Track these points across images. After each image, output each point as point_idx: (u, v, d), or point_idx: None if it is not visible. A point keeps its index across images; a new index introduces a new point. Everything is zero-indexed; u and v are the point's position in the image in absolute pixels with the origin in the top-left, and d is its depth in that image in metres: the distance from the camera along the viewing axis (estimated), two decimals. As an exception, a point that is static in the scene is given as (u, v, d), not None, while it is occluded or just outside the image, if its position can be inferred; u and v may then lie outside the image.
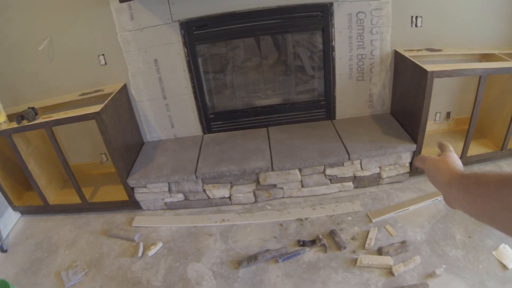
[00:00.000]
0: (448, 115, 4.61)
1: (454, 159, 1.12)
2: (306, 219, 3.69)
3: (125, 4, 3.63)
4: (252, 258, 3.27)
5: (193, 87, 4.16)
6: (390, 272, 3.06)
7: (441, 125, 4.65)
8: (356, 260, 3.18)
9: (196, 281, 3.16)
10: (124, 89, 4.07)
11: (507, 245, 3.16)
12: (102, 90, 3.96)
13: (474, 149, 4.13)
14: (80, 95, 3.96)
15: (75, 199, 4.00)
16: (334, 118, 4.45)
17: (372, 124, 4.27)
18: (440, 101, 4.41)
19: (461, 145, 4.05)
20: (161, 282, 3.18)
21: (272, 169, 3.75)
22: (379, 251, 3.25)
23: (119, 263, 3.43)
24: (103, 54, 3.94)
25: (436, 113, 4.55)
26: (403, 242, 3.29)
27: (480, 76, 3.65)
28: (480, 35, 4.16)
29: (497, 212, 0.80)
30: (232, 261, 3.32)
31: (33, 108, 3.63)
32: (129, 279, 3.24)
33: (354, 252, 3.29)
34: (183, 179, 3.77)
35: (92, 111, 3.45)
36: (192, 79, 4.12)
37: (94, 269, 3.38)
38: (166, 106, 4.26)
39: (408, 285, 2.93)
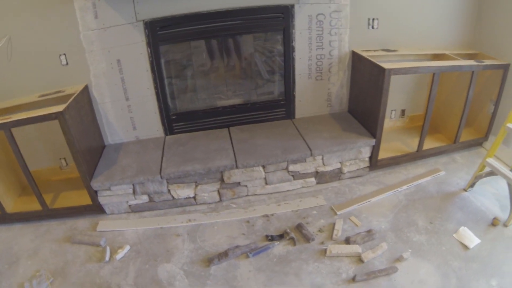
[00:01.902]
0: (403, 112, 4.76)
1: None
2: (272, 215, 3.72)
3: (89, 3, 3.56)
4: (223, 255, 3.27)
5: (156, 88, 4.14)
6: (359, 259, 3.17)
7: (396, 122, 4.79)
8: (325, 250, 3.26)
9: (168, 282, 3.13)
10: (86, 90, 3.97)
11: (466, 228, 3.36)
12: (63, 91, 3.83)
13: (429, 143, 4.33)
14: (39, 96, 3.81)
15: (35, 206, 3.84)
16: (294, 117, 4.53)
17: (332, 122, 4.37)
18: (395, 99, 4.55)
19: (417, 140, 4.23)
20: (132, 286, 3.12)
21: (237, 167, 3.77)
22: (347, 241, 3.33)
23: (86, 269, 3.31)
24: (64, 54, 3.82)
25: (392, 110, 4.69)
26: (369, 231, 3.39)
27: (434, 74, 3.82)
28: (432, 37, 4.37)
29: None
30: (203, 259, 3.30)
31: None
32: (98, 285, 3.15)
33: (322, 243, 3.35)
34: (148, 179, 3.73)
35: (54, 111, 3.33)
36: (154, 80, 4.10)
37: (60, 278, 3.23)
38: (129, 107, 4.21)
39: (378, 269, 3.03)
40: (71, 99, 3.57)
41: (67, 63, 3.88)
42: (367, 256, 3.16)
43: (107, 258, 3.37)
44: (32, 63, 3.82)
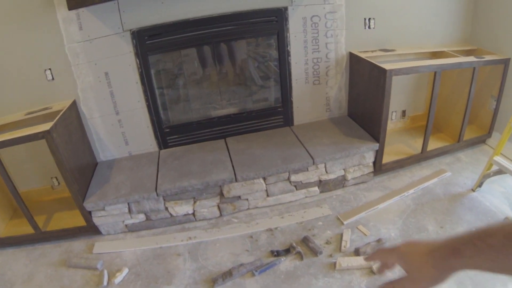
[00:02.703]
0: (403, 113, 4.61)
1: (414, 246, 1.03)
2: (276, 228, 3.54)
3: (73, 13, 3.38)
4: (227, 275, 3.08)
5: (147, 100, 3.94)
6: (370, 271, 2.98)
7: (397, 124, 4.65)
8: (334, 264, 3.08)
9: None
10: (74, 106, 3.75)
11: None
12: (50, 108, 3.65)
13: (433, 144, 4.17)
14: (26, 114, 3.62)
15: (27, 230, 3.65)
16: (293, 124, 4.35)
17: (332, 127, 4.20)
18: (395, 100, 4.39)
19: (419, 141, 4.11)
20: None
21: (236, 180, 3.59)
22: (356, 252, 3.16)
23: None
24: (49, 69, 3.62)
25: (392, 112, 4.53)
26: (378, 240, 3.22)
27: (435, 72, 3.68)
28: (429, 34, 4.25)
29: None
30: (206, 279, 3.12)
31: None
32: None
33: (331, 256, 3.18)
34: (143, 197, 3.54)
35: (41, 130, 3.14)
36: (145, 91, 3.89)
37: None
38: (119, 122, 4.01)
39: (391, 280, 2.84)
40: (58, 116, 3.38)
41: (52, 78, 3.67)
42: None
43: (105, 283, 3.17)
44: (16, 79, 3.62)
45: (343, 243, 3.25)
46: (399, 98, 4.48)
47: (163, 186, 3.56)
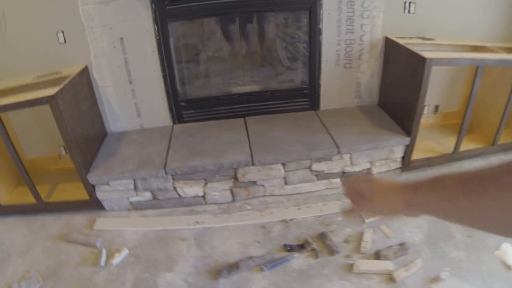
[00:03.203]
0: (436, 108, 4.25)
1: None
2: (292, 220, 3.25)
3: (88, -28, 3.09)
4: (233, 267, 2.81)
5: (163, 70, 3.65)
6: (390, 278, 2.68)
7: (429, 119, 4.29)
8: (351, 265, 2.78)
9: None
10: (85, 72, 3.52)
11: (509, 244, 2.87)
12: (60, 73, 3.41)
13: (465, 145, 3.79)
14: (36, 78, 3.40)
15: (30, 199, 3.44)
16: (318, 109, 4.02)
17: (360, 115, 3.87)
18: (429, 93, 3.99)
19: (451, 139, 3.76)
20: None
21: (253, 164, 3.30)
22: (377, 255, 2.86)
23: (78, 274, 2.88)
24: (62, 31, 3.37)
25: (425, 106, 4.16)
26: (402, 244, 2.91)
27: (477, 67, 3.32)
28: (472, 27, 3.85)
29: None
30: (210, 270, 2.85)
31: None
32: None
33: (348, 257, 2.88)
34: (151, 175, 3.27)
35: (45, 95, 2.90)
36: (162, 61, 3.61)
37: (50, 281, 2.81)
38: (132, 92, 3.74)
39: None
40: (65, 82, 3.13)
41: (65, 41, 3.44)
42: (399, 274, 2.68)
43: (102, 263, 2.93)
44: (28, 41, 3.40)
45: (363, 244, 2.95)
46: (433, 92, 4.08)
47: (172, 164, 3.29)
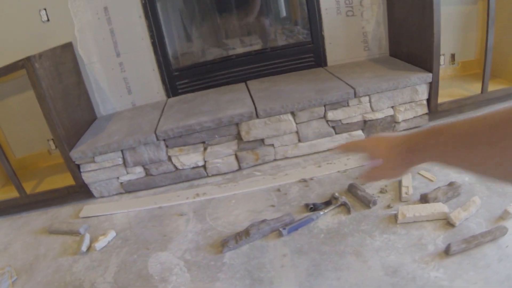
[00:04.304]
0: (453, 57, 3.14)
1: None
2: (312, 179, 2.20)
3: None
4: (242, 235, 1.79)
5: (152, 37, 2.74)
6: (447, 223, 1.70)
7: (446, 70, 3.18)
8: (395, 216, 1.76)
9: (161, 277, 1.70)
10: (70, 48, 2.69)
11: None
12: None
13: (492, 87, 2.72)
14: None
15: (13, 195, 2.49)
16: (326, 65, 2.94)
17: (373, 65, 2.80)
18: (443, 41, 2.93)
19: (476, 85, 2.75)
20: (111, 284, 1.74)
21: (257, 116, 2.28)
22: (424, 199, 1.83)
23: (57, 264, 1.96)
24: (44, 9, 2.63)
25: (440, 55, 3.08)
26: (451, 184, 1.88)
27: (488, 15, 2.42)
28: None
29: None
30: (213, 243, 1.84)
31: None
32: (67, 284, 1.80)
33: (389, 207, 1.85)
34: (140, 142, 2.26)
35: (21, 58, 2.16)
36: (149, 27, 2.73)
37: (25, 276, 1.93)
38: (121, 65, 2.79)
39: (479, 233, 1.58)
40: (45, 49, 2.38)
41: (48, 19, 2.68)
42: (457, 216, 1.67)
43: (83, 249, 1.98)
44: (10, 22, 2.68)
45: (404, 190, 1.91)
46: (447, 39, 3.00)
47: (164, 127, 2.29)
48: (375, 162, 0.79)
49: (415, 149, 0.69)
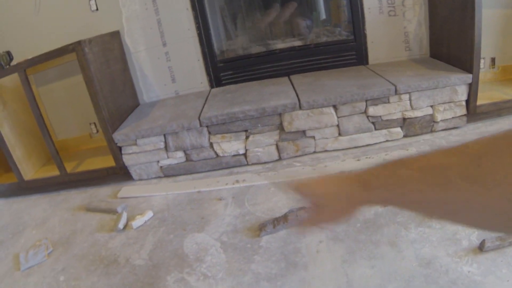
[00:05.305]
0: (493, 61, 3.06)
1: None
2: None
3: None
4: (280, 220, 1.76)
5: (198, 28, 2.74)
6: None
7: (486, 74, 3.07)
8: None
9: (196, 257, 1.70)
10: (117, 37, 2.73)
11: None
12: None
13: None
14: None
15: (53, 173, 2.54)
16: (367, 63, 2.88)
17: (414, 65, 2.72)
18: (483, 44, 2.86)
19: None
20: (145, 260, 1.75)
21: (300, 107, 2.26)
22: None
23: (93, 239, 1.99)
24: None
25: (480, 59, 3.00)
26: None
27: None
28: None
29: None
30: (250, 227, 1.83)
31: (8, 52, 2.42)
32: (102, 258, 1.83)
33: None
34: (183, 127, 2.27)
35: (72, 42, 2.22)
36: (196, 18, 2.72)
37: (61, 248, 1.96)
38: (166, 54, 2.81)
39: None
40: (95, 35, 2.45)
41: (97, 9, 2.72)
42: None
43: (120, 226, 1.99)
44: (60, 12, 2.74)
45: (442, 186, 1.81)
46: (487, 43, 2.91)
47: (208, 114, 2.29)
48: (319, 204, 0.68)
49: (369, 186, 0.58)
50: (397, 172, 0.53)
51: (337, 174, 0.69)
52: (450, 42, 2.61)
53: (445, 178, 0.46)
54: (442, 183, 0.46)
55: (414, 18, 2.82)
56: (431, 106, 2.40)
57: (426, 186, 0.48)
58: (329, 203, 0.67)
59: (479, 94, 2.47)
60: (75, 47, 2.21)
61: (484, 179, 0.42)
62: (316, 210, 0.69)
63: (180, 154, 2.38)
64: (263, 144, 2.36)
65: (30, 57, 2.36)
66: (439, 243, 1.54)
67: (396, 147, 2.34)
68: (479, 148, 0.46)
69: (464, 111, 2.46)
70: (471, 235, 1.55)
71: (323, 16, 3.07)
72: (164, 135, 2.31)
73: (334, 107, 2.29)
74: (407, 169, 0.52)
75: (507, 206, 0.40)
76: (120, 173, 2.44)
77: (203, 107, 2.44)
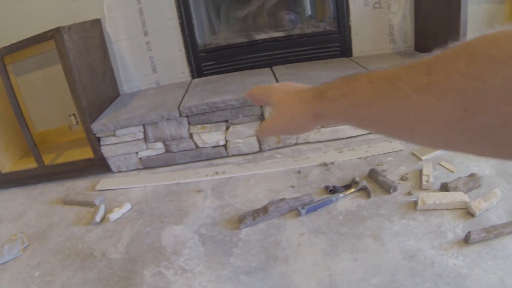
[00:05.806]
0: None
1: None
2: (332, 163, 2.10)
3: None
4: (260, 212, 1.70)
5: (180, 17, 2.67)
6: (467, 212, 1.61)
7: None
8: (415, 203, 1.67)
9: (174, 250, 1.63)
10: (98, 25, 2.63)
11: None
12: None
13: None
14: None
15: (31, 166, 2.45)
16: (351, 55, 2.84)
17: (398, 58, 2.70)
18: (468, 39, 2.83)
19: None
20: (122, 254, 1.67)
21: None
22: (444, 188, 1.74)
23: (70, 233, 1.90)
24: None
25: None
26: (471, 175, 1.78)
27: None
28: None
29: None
30: (230, 220, 1.76)
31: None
32: (78, 252, 1.75)
33: (409, 194, 1.76)
34: (163, 117, 2.20)
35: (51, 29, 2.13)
36: (178, 7, 2.66)
37: (36, 243, 1.88)
38: (147, 44, 2.73)
39: (499, 224, 1.50)
40: (74, 23, 2.33)
41: None
42: (478, 206, 1.58)
43: (97, 219, 1.91)
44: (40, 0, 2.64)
45: (425, 178, 1.82)
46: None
47: (188, 104, 2.22)
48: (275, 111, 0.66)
49: (323, 97, 0.55)
50: (350, 84, 0.51)
51: (297, 85, 0.68)
52: (435, 36, 2.58)
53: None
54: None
55: (400, 11, 2.78)
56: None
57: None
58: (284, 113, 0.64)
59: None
60: (54, 34, 2.12)
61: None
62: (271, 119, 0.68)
63: (160, 145, 2.30)
64: (244, 135, 2.30)
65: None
66: (423, 235, 1.49)
67: (379, 139, 2.28)
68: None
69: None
70: (456, 227, 1.51)
71: (307, 6, 3.01)
72: (144, 126, 2.23)
73: (317, 96, 2.22)
74: (358, 81, 0.50)
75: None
76: (98, 165, 2.35)
77: (183, 97, 2.37)
